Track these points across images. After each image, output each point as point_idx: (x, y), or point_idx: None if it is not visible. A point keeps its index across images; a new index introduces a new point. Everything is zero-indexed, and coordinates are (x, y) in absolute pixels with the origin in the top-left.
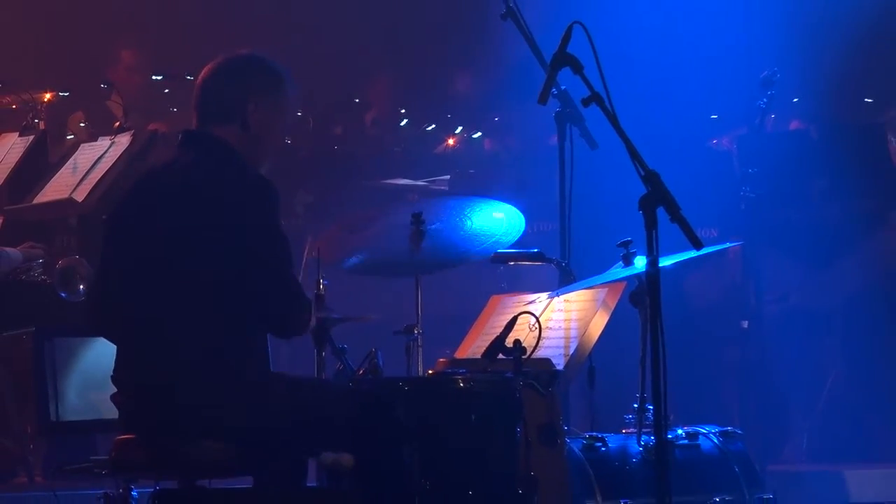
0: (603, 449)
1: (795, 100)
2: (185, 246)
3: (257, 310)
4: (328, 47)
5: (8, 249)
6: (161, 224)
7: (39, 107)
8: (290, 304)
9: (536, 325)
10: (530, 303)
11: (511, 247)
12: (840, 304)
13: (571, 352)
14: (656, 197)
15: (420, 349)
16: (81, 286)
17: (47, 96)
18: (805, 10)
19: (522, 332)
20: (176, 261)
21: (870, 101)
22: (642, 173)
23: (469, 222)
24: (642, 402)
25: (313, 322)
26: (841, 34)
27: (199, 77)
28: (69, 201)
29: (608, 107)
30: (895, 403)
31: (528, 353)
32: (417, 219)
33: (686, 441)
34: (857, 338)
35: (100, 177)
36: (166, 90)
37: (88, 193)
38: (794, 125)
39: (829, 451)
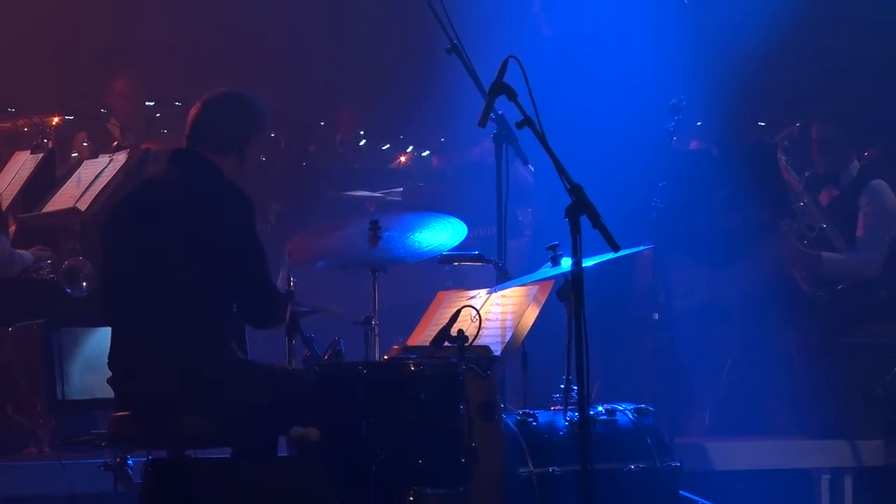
0: (534, 423)
1: (699, 123)
2: (172, 249)
3: (239, 305)
4: (300, 79)
5: (21, 252)
6: (152, 230)
7: (48, 129)
8: (267, 299)
9: (477, 317)
10: (472, 298)
11: (455, 250)
12: (737, 300)
13: (507, 340)
14: (580, 206)
15: (377, 338)
16: (84, 283)
17: (55, 120)
18: (707, 44)
19: (465, 323)
20: (164, 262)
21: (762, 124)
22: (568, 186)
23: (418, 230)
24: (568, 383)
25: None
26: (738, 66)
27: (197, 108)
28: (74, 210)
29: (538, 129)
30: (783, 384)
31: (470, 341)
32: (375, 225)
33: (605, 416)
34: (751, 328)
35: (100, 189)
36: (158, 114)
37: (90, 203)
38: (694, 145)
39: (728, 425)
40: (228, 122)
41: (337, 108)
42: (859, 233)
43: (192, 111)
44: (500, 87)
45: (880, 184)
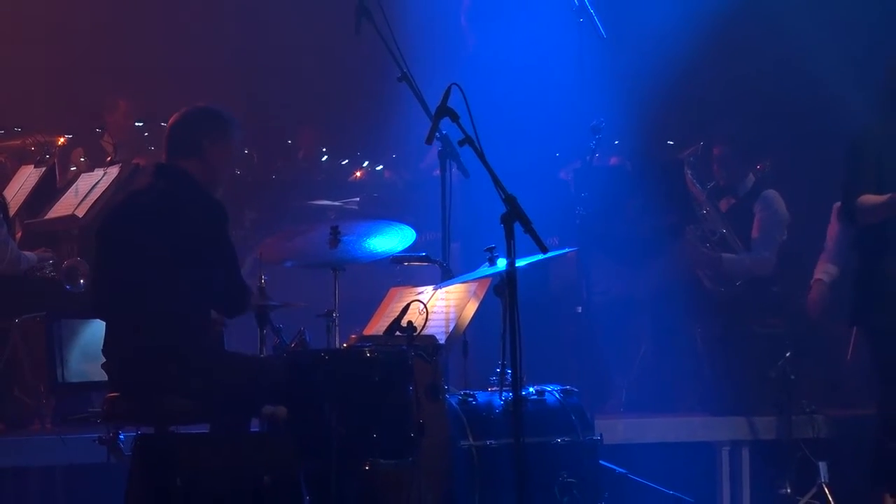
0: (473, 402)
1: (616, 142)
2: (156, 250)
3: (211, 297)
4: (271, 103)
5: (27, 253)
6: (139, 234)
7: (51, 147)
8: (235, 293)
9: (424, 311)
10: (419, 293)
11: (405, 251)
12: (648, 295)
13: (450, 330)
14: (513, 214)
15: (337, 328)
16: (81, 281)
17: (60, 140)
18: (623, 72)
19: (414, 316)
20: (149, 262)
21: (671, 143)
22: (503, 196)
23: (373, 234)
24: (503, 367)
25: (254, 307)
26: (650, 92)
27: (168, 123)
28: (72, 217)
29: (477, 146)
30: (689, 368)
31: (418, 331)
32: (335, 230)
33: (535, 396)
34: (661, 320)
35: (95, 198)
36: (146, 133)
37: (87, 211)
38: (613, 161)
39: (641, 403)
40: (190, 126)
41: (300, 129)
42: (754, 236)
43: (170, 122)
44: (443, 111)
45: (772, 193)
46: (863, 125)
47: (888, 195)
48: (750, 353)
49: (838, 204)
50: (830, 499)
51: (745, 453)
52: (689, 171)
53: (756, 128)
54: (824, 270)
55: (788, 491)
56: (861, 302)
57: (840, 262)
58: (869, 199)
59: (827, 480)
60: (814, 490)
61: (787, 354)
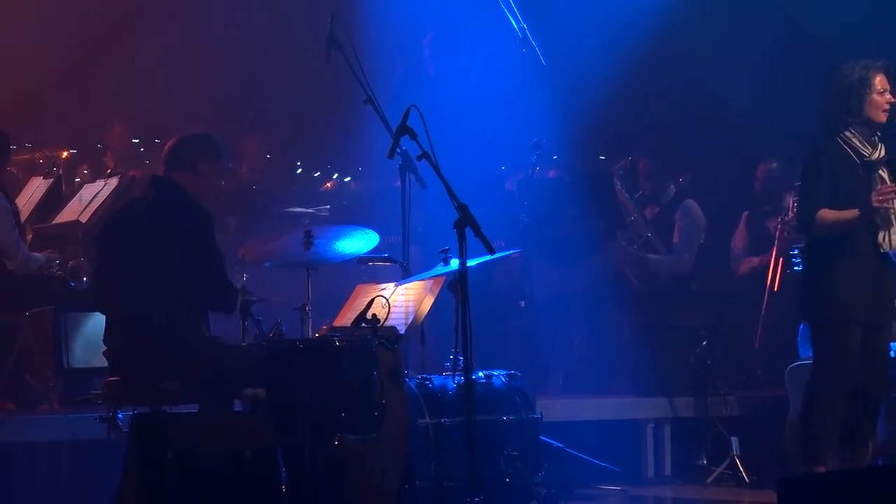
0: (430, 385)
1: (555, 157)
2: (150, 252)
3: (201, 295)
4: (255, 123)
5: (36, 254)
6: (135, 238)
7: (58, 160)
8: (223, 292)
9: (386, 305)
10: (382, 290)
11: (369, 253)
12: (583, 291)
13: (409, 322)
14: (465, 220)
15: (310, 320)
16: (84, 278)
17: (65, 154)
18: (561, 95)
19: (377, 309)
20: (144, 262)
21: (603, 158)
22: (456, 205)
23: (342, 238)
24: (455, 354)
25: (238, 304)
26: (585, 112)
27: (168, 144)
28: (76, 222)
29: (433, 161)
30: (618, 355)
31: (381, 322)
32: (308, 234)
33: (484, 380)
34: (594, 312)
35: (97, 206)
36: (141, 149)
37: (89, 217)
38: (552, 173)
39: (576, 386)
40: (188, 147)
41: (245, 141)
42: (675, 240)
43: (168, 144)
44: (403, 129)
45: (690, 202)
46: (815, 146)
47: (847, 211)
48: (671, 342)
49: (747, 213)
50: (741, 468)
51: (667, 429)
52: (618, 183)
53: (676, 144)
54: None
55: (704, 462)
56: (808, 300)
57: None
58: (827, 214)
59: (738, 453)
60: (727, 461)
61: (704, 343)
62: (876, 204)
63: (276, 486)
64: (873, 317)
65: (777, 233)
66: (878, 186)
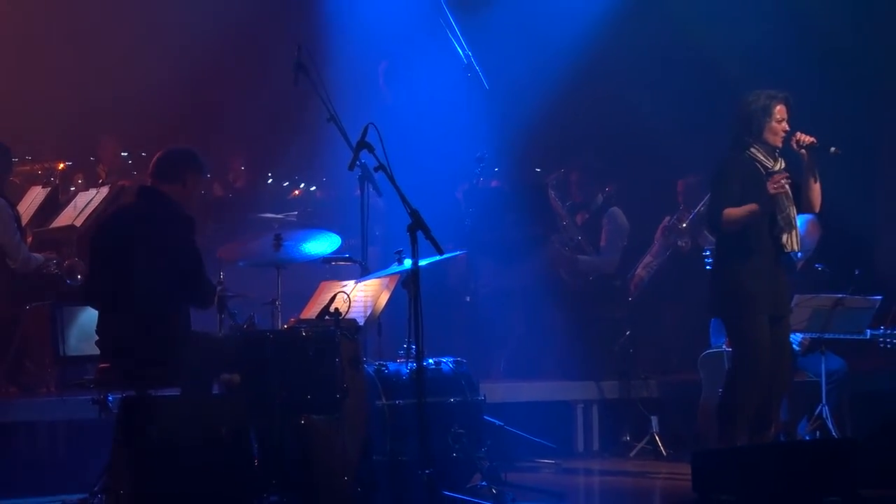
0: (386, 371)
1: (496, 169)
2: (137, 253)
3: (183, 292)
4: (232, 140)
5: (35, 254)
6: (123, 241)
7: (56, 173)
8: (203, 289)
9: (347, 299)
10: (344, 286)
11: (332, 254)
12: (521, 287)
13: (368, 314)
14: (417, 225)
15: (279, 313)
16: (79, 276)
17: (61, 165)
18: (501, 113)
19: (339, 304)
20: (132, 262)
21: (538, 170)
22: (409, 211)
23: (308, 240)
24: (408, 343)
25: (216, 299)
26: (522, 129)
27: (156, 157)
28: (72, 227)
29: (388, 172)
30: (552, 344)
31: (343, 315)
32: (278, 237)
33: (433, 366)
34: (531, 306)
35: (90, 212)
36: (130, 161)
37: (83, 222)
38: (494, 183)
39: (515, 371)
40: (175, 161)
41: (232, 158)
42: (602, 243)
43: (155, 156)
44: (362, 144)
45: (616, 210)
46: (724, 156)
47: (749, 206)
48: (598, 333)
49: (668, 219)
50: (659, 444)
51: (595, 409)
52: (552, 192)
53: (603, 158)
54: (645, 264)
55: (628, 438)
56: (717, 297)
57: (660, 257)
58: (731, 211)
59: (657, 430)
60: (647, 437)
61: (627, 333)
62: (772, 191)
63: (249, 461)
64: (775, 310)
65: (659, 232)
66: (772, 176)
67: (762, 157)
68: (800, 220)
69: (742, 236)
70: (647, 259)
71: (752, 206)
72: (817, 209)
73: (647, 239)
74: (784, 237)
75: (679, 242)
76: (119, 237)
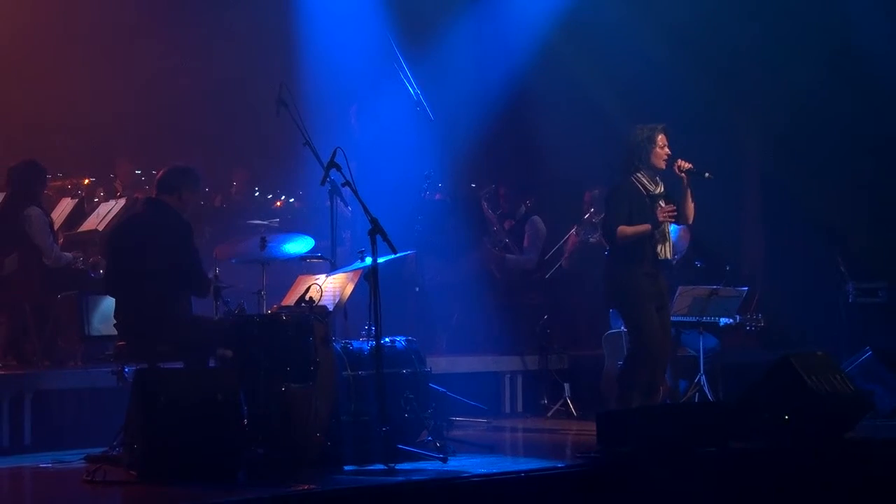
0: (351, 347)
1: (440, 184)
2: (146, 252)
3: (184, 283)
4: (224, 157)
5: (65, 253)
6: (134, 242)
7: (82, 187)
8: (200, 281)
9: (319, 290)
10: (317, 279)
11: (307, 253)
12: (460, 280)
13: (336, 302)
14: (376, 230)
15: (264, 301)
16: (101, 271)
17: (86, 181)
18: (443, 138)
19: (313, 293)
20: (142, 259)
21: (473, 185)
22: (370, 218)
23: (287, 242)
24: (369, 325)
25: (212, 289)
26: (461, 152)
27: (159, 173)
28: (95, 231)
29: (353, 187)
30: (485, 325)
31: (316, 303)
32: (263, 240)
33: (389, 343)
34: (467, 295)
35: (110, 219)
36: (143, 178)
37: (105, 227)
38: (438, 196)
39: (455, 347)
40: (174, 177)
41: (235, 171)
42: (525, 244)
43: (159, 173)
44: (332, 164)
45: (536, 218)
46: (615, 181)
47: (641, 226)
48: (522, 316)
49: (576, 227)
50: (571, 406)
51: (519, 379)
52: (485, 203)
53: (525, 175)
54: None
55: (545, 402)
56: (611, 292)
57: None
58: (624, 229)
59: (569, 395)
60: (561, 401)
61: (545, 317)
62: (661, 219)
63: (240, 421)
64: (659, 300)
65: (570, 236)
66: (661, 207)
67: (646, 182)
68: (673, 228)
69: (630, 246)
70: (566, 255)
71: (644, 227)
72: (691, 221)
73: (560, 239)
74: (659, 248)
75: (591, 238)
76: (131, 240)
